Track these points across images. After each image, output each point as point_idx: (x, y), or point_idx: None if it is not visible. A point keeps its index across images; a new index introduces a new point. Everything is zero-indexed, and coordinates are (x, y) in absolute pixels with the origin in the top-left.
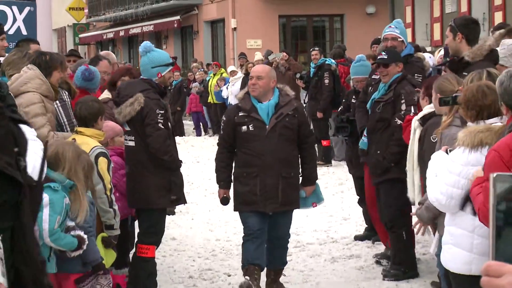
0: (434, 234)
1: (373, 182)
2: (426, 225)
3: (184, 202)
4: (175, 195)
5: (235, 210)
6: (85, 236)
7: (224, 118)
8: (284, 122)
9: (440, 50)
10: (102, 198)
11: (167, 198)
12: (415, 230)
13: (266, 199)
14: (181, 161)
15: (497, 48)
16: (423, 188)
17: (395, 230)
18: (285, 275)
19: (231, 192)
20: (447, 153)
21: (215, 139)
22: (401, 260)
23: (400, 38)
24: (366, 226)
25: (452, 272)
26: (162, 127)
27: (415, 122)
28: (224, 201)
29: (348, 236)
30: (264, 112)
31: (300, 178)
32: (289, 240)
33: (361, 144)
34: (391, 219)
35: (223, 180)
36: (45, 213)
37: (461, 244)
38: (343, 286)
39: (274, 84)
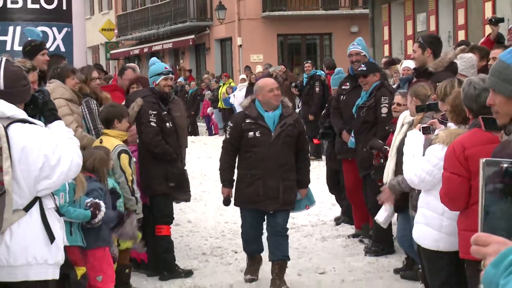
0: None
1: (361, 174)
2: (392, 197)
3: (188, 191)
4: (173, 182)
5: (235, 205)
6: (100, 202)
7: (230, 123)
8: (287, 131)
9: (402, 63)
10: (124, 188)
11: (166, 185)
12: (383, 201)
13: (268, 199)
14: (176, 154)
15: (456, 61)
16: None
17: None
18: None
19: (233, 192)
20: (424, 131)
21: (223, 138)
22: (380, 239)
23: (363, 52)
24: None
25: (422, 248)
26: (154, 125)
27: (404, 118)
28: (226, 201)
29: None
30: (270, 121)
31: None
32: (287, 233)
33: (349, 144)
34: (374, 205)
35: (227, 180)
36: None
37: (431, 224)
38: (332, 260)
39: None
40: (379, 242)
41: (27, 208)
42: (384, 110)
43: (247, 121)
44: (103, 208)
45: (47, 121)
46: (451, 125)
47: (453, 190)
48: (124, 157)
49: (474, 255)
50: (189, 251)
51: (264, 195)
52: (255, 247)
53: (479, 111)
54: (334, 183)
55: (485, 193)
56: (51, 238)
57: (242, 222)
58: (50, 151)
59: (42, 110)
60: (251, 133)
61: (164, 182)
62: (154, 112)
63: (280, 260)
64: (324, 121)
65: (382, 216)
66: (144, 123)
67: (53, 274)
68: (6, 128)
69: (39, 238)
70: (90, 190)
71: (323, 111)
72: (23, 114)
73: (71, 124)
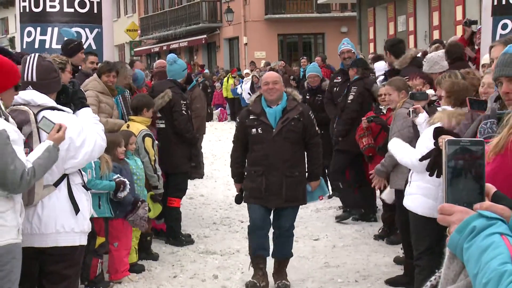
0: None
1: (334, 148)
2: (382, 179)
3: (202, 169)
4: (194, 162)
5: (245, 201)
6: (125, 179)
7: (237, 119)
8: (290, 126)
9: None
10: (148, 167)
11: (188, 165)
12: (375, 185)
13: (270, 195)
14: (198, 137)
15: (419, 56)
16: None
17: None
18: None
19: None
20: (409, 114)
21: (231, 123)
22: (347, 204)
23: (352, 50)
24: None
25: (416, 214)
26: (185, 113)
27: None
28: (238, 199)
29: (328, 193)
30: (272, 117)
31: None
32: (293, 232)
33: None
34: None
35: (237, 175)
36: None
37: (428, 194)
38: (325, 228)
39: (283, 89)
40: (345, 205)
41: (57, 184)
42: (350, 97)
43: (251, 117)
44: (128, 185)
45: (76, 108)
46: (445, 107)
47: None
48: (148, 140)
49: (441, 222)
50: (202, 221)
51: (267, 191)
52: (261, 242)
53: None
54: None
55: (447, 168)
56: (76, 209)
57: (249, 216)
58: (75, 134)
59: (72, 98)
60: (254, 130)
61: (187, 162)
62: (184, 102)
63: (281, 258)
64: None
65: (386, 194)
66: (177, 112)
67: (80, 240)
68: (36, 114)
69: (66, 210)
70: (117, 169)
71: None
72: (52, 103)
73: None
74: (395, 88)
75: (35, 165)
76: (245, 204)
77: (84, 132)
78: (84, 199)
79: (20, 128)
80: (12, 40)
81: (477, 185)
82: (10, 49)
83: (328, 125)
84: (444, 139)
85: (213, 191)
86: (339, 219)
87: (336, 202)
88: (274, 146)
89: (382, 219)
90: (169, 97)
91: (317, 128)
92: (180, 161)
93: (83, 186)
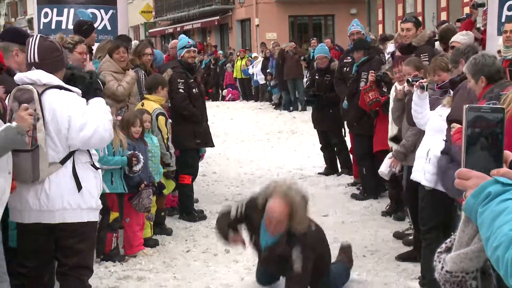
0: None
1: (349, 131)
2: (399, 162)
3: (212, 145)
4: (199, 139)
5: None
6: (137, 152)
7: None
8: (274, 257)
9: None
10: (161, 145)
11: (193, 142)
12: (390, 169)
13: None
14: (201, 116)
15: (460, 36)
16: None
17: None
18: None
19: None
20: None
21: (243, 103)
22: (365, 186)
23: (361, 31)
24: (326, 165)
25: (429, 190)
26: (182, 91)
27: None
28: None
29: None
30: (263, 240)
31: None
32: None
33: (344, 105)
34: (360, 155)
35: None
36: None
37: None
38: (334, 205)
39: (285, 227)
40: (364, 189)
41: (63, 161)
42: (362, 84)
43: (248, 220)
44: (141, 159)
45: (90, 97)
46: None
47: None
48: (161, 119)
49: (457, 187)
50: (214, 197)
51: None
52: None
53: (494, 77)
54: (326, 142)
55: (466, 134)
56: (79, 187)
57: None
58: (75, 115)
59: (87, 88)
60: (249, 234)
61: (192, 139)
62: (181, 81)
63: None
64: (308, 90)
65: (385, 169)
66: (174, 90)
67: (88, 217)
68: (41, 93)
69: (72, 187)
70: (131, 147)
71: (307, 83)
72: (58, 81)
73: (112, 82)
74: (415, 68)
75: None
76: (256, 181)
77: (86, 116)
78: (91, 177)
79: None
80: (30, 21)
81: (495, 151)
82: (28, 30)
83: (337, 104)
84: (454, 127)
85: (225, 168)
86: (355, 198)
87: (345, 179)
88: (266, 262)
89: (389, 196)
90: (169, 76)
91: (303, 266)
92: (184, 138)
93: (92, 165)
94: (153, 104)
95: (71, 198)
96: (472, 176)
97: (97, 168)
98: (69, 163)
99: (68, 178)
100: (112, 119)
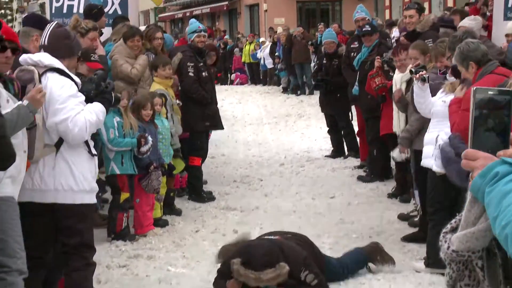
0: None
1: (364, 116)
2: (406, 147)
3: (222, 128)
4: (208, 122)
5: None
6: (146, 134)
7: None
8: None
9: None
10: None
11: (203, 124)
12: (402, 154)
13: None
14: (209, 98)
15: (469, 21)
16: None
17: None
18: None
19: None
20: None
21: (251, 87)
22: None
23: (367, 17)
24: (333, 148)
25: (438, 174)
26: (192, 75)
27: (402, 77)
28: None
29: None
30: None
31: None
32: None
33: (354, 91)
34: (373, 140)
35: None
36: (102, 129)
37: None
38: (340, 187)
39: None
40: (371, 172)
41: (57, 144)
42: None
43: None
44: (149, 140)
45: (96, 100)
46: (452, 78)
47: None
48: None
49: (464, 167)
50: (223, 179)
51: None
52: None
53: (482, 60)
54: (333, 126)
55: (473, 116)
56: (71, 170)
57: None
58: (56, 99)
59: (96, 94)
60: None
61: (202, 122)
62: (191, 64)
63: None
64: (316, 75)
65: (397, 154)
66: (183, 73)
67: (81, 199)
68: (42, 74)
69: (64, 170)
70: (141, 129)
71: (315, 67)
72: (60, 65)
73: (125, 65)
74: (421, 52)
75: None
76: (264, 163)
77: (71, 103)
78: (84, 160)
79: (24, 86)
80: (42, 6)
81: (502, 133)
82: (41, 14)
83: (344, 88)
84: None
85: (234, 151)
86: (361, 180)
87: (352, 162)
88: None
89: (395, 179)
90: (178, 60)
91: (316, 277)
92: (194, 121)
93: (88, 151)
94: (156, 85)
95: (63, 180)
96: (479, 156)
97: (93, 155)
98: (63, 147)
99: (61, 160)
100: (98, 120)
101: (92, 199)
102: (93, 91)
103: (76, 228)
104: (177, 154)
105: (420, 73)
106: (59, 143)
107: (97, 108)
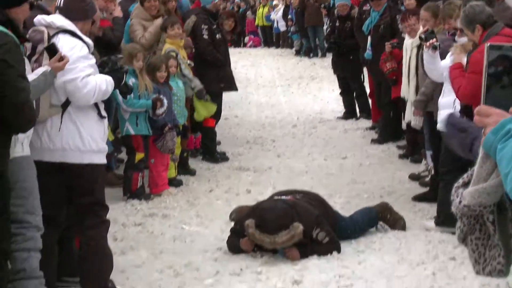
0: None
1: (376, 81)
2: (421, 110)
3: (236, 89)
4: (223, 83)
5: None
6: (161, 96)
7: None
8: None
9: None
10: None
11: (217, 86)
12: (416, 118)
13: None
14: (223, 61)
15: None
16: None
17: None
18: None
19: None
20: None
21: (264, 50)
22: (385, 130)
23: None
24: (345, 109)
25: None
26: (206, 37)
27: (412, 42)
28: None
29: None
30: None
31: None
32: None
33: (366, 55)
34: (386, 103)
35: None
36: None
37: None
38: (352, 148)
39: None
40: (384, 133)
41: (64, 105)
42: (400, 26)
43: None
44: (165, 103)
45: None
46: (461, 40)
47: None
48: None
49: (477, 124)
50: (236, 140)
51: None
52: None
53: (488, 22)
54: (345, 87)
55: (487, 73)
56: (78, 131)
57: None
58: (73, 58)
59: (108, 71)
60: None
61: (216, 83)
62: (205, 27)
63: None
64: (329, 37)
65: (414, 121)
66: (198, 36)
67: (89, 159)
68: (53, 36)
69: (71, 129)
70: (156, 91)
71: (328, 30)
72: (72, 27)
73: (137, 31)
74: (432, 14)
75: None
76: (277, 124)
77: (81, 64)
78: (92, 121)
79: (35, 46)
80: None
81: None
82: None
83: (357, 50)
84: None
85: (247, 112)
86: (373, 142)
87: (363, 123)
88: None
89: (406, 140)
90: (193, 22)
91: (328, 235)
92: (208, 83)
93: (98, 113)
94: (167, 45)
95: (71, 140)
96: (492, 113)
97: (103, 117)
98: (70, 108)
99: (68, 121)
100: (106, 91)
101: (101, 160)
102: (107, 68)
103: (87, 188)
104: (202, 94)
105: (431, 41)
106: (66, 104)
107: (109, 79)
